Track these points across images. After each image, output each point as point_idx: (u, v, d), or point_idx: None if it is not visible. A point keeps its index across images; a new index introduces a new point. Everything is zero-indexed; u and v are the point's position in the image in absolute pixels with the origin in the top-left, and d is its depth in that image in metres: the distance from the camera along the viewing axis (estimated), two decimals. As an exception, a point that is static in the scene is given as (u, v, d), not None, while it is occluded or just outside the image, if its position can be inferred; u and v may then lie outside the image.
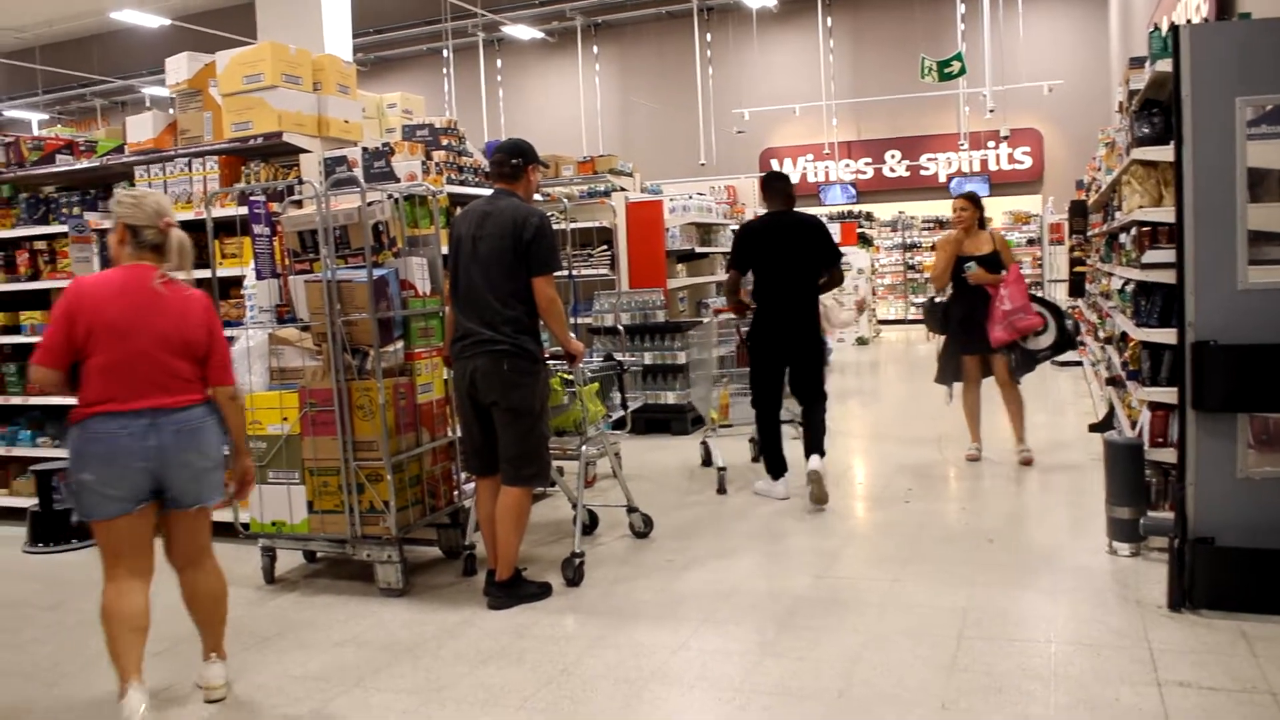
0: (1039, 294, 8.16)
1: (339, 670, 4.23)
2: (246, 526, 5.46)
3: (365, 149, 6.13)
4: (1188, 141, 4.27)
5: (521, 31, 23.91)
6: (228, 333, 5.74)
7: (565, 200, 8.64)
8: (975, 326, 7.28)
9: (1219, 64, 4.24)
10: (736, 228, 11.86)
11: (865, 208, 23.08)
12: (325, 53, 7.79)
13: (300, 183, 5.63)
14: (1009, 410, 7.52)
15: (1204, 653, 3.92)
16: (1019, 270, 7.35)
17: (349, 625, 4.77)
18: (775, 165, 23.73)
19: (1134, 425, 6.02)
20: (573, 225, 8.97)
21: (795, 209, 6.81)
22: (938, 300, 7.70)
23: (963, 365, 7.56)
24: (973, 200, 7.67)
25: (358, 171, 5.87)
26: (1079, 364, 12.31)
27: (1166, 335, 4.87)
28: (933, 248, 22.58)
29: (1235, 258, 4.24)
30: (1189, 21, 8.08)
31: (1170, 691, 3.60)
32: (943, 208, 22.79)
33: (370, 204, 5.20)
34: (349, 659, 4.35)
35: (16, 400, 7.25)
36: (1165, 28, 4.92)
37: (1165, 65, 4.57)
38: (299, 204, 5.62)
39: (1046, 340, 7.25)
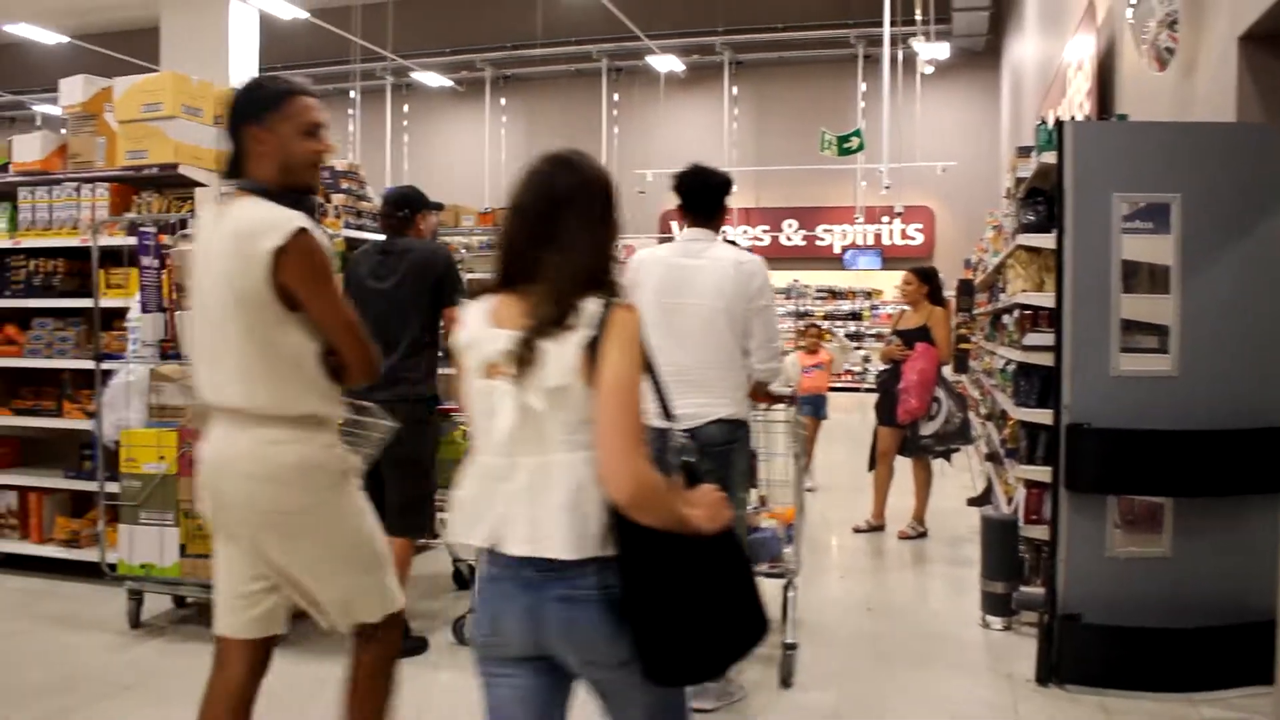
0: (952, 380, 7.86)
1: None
2: (114, 567, 5.25)
3: (264, 187, 6.03)
4: (1068, 231, 4.46)
5: (430, 78, 23.90)
6: (107, 366, 5.58)
7: (464, 250, 8.61)
8: (891, 399, 7.34)
9: (1099, 160, 4.45)
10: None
11: (762, 274, 23.41)
12: (230, 86, 7.66)
13: (195, 217, 5.50)
14: (914, 484, 7.52)
15: (1068, 727, 4.03)
16: (928, 350, 7.22)
17: (216, 675, 4.60)
18: (675, 228, 24.00)
19: (1010, 501, 6.19)
20: (470, 275, 8.94)
21: None
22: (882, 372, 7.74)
23: (877, 436, 7.55)
24: (920, 275, 7.57)
25: (255, 209, 5.76)
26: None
27: (1043, 416, 4.99)
28: (824, 317, 23.06)
29: (1109, 345, 4.42)
30: (1073, 118, 8.46)
31: (1035, 765, 3.69)
32: (836, 278, 23.30)
33: (265, 243, 5.11)
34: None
35: None
36: (1051, 121, 5.14)
37: (1050, 157, 4.77)
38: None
39: (930, 429, 7.25)
